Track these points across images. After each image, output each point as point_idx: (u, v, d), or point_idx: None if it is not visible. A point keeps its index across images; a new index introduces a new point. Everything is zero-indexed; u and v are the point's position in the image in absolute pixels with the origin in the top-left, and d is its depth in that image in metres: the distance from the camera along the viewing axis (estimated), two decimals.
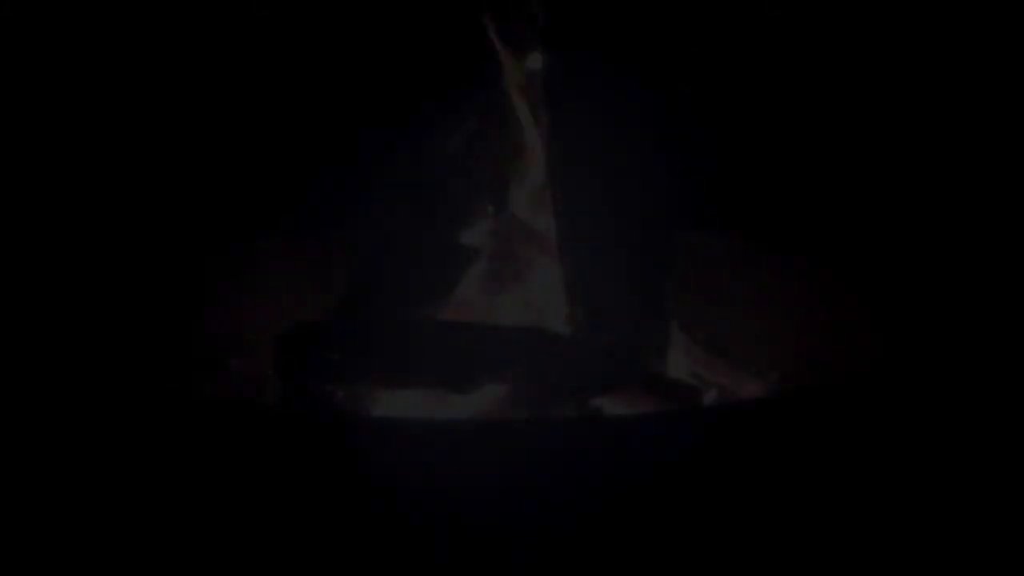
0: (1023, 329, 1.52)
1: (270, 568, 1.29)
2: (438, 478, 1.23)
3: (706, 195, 1.93)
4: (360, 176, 1.87)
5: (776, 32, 2.17)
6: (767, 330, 1.78)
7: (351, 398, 1.52)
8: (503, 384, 1.49)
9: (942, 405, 1.42)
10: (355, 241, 1.83)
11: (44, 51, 2.15)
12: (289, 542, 1.27)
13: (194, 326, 1.74)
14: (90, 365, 1.53)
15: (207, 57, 2.18)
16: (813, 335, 1.72)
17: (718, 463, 1.27)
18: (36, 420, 1.40)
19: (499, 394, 1.50)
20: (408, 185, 1.69)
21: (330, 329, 1.57)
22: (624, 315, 1.58)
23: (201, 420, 1.31)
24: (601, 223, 1.60)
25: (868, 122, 2.15)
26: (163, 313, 1.71)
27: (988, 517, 1.41)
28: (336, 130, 2.15)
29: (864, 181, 2.15)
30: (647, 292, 1.63)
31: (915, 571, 1.36)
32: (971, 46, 2.11)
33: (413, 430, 1.31)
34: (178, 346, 1.69)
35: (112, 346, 1.59)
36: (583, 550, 1.25)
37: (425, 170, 1.68)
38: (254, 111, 2.18)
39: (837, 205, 2.12)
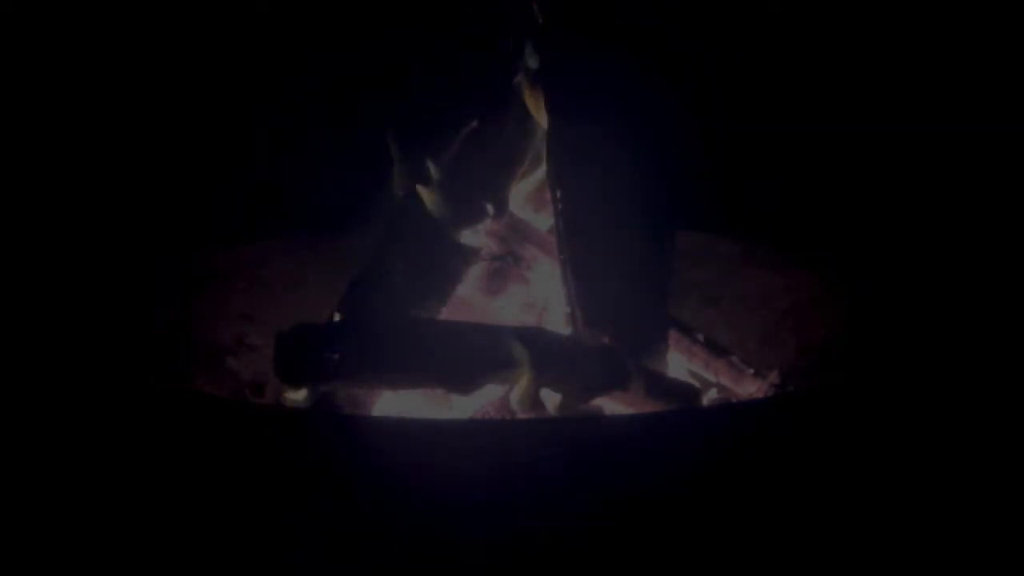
0: (1020, 329, 1.52)
1: (268, 566, 1.29)
2: (438, 478, 1.23)
3: (706, 195, 1.93)
4: (362, 178, 1.88)
5: (775, 33, 2.17)
6: (767, 330, 1.78)
7: (351, 398, 1.52)
8: (503, 384, 1.49)
9: (941, 405, 1.42)
10: (357, 242, 1.83)
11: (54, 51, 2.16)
12: (288, 541, 1.27)
13: (194, 326, 1.74)
14: (91, 364, 1.53)
15: (214, 62, 2.19)
16: (813, 335, 1.72)
17: (718, 463, 1.27)
18: (37, 419, 1.40)
19: (499, 394, 1.50)
20: (409, 186, 1.69)
21: (330, 329, 1.57)
22: (624, 315, 1.58)
23: (201, 420, 1.31)
24: (601, 223, 1.60)
25: (866, 124, 2.15)
26: (163, 313, 1.71)
27: (986, 516, 1.41)
28: (337, 132, 2.16)
29: (863, 183, 2.15)
30: (647, 292, 1.63)
31: (914, 570, 1.36)
32: (966, 47, 2.12)
33: (413, 430, 1.31)
34: (178, 346, 1.69)
35: (112, 346, 1.60)
36: (582, 550, 1.25)
37: (426, 171, 1.68)
38: (255, 113, 2.18)
39: (837, 207, 2.12)
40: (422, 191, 1.64)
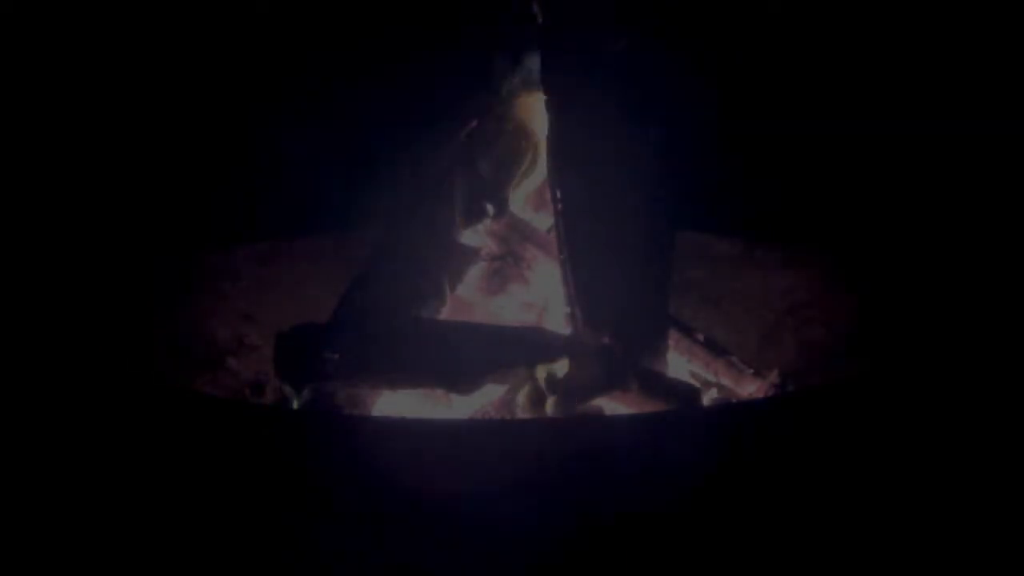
0: (1020, 329, 1.52)
1: (268, 566, 1.29)
2: (438, 478, 1.23)
3: (706, 195, 1.93)
4: (362, 178, 1.88)
5: (775, 33, 2.17)
6: (767, 330, 1.78)
7: (351, 398, 1.52)
8: (503, 384, 1.49)
9: (941, 405, 1.42)
10: (357, 242, 1.83)
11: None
12: (288, 541, 1.27)
13: (194, 326, 1.74)
14: (91, 364, 1.53)
15: (214, 62, 2.19)
16: (813, 335, 1.72)
17: (718, 463, 1.27)
18: (37, 419, 1.40)
19: (499, 394, 1.50)
20: (410, 186, 1.69)
21: (330, 329, 1.57)
22: (624, 315, 1.58)
23: (201, 420, 1.31)
24: (601, 223, 1.60)
25: (866, 124, 2.15)
26: (163, 313, 1.71)
27: (988, 515, 1.41)
28: (336, 132, 2.16)
29: (863, 183, 2.15)
30: (647, 292, 1.63)
31: (915, 570, 1.36)
32: (964, 47, 2.12)
33: (413, 430, 1.31)
34: (178, 346, 1.69)
35: (112, 346, 1.60)
36: (583, 550, 1.25)
37: (427, 171, 1.68)
38: (255, 112, 2.18)
39: (837, 207, 2.12)
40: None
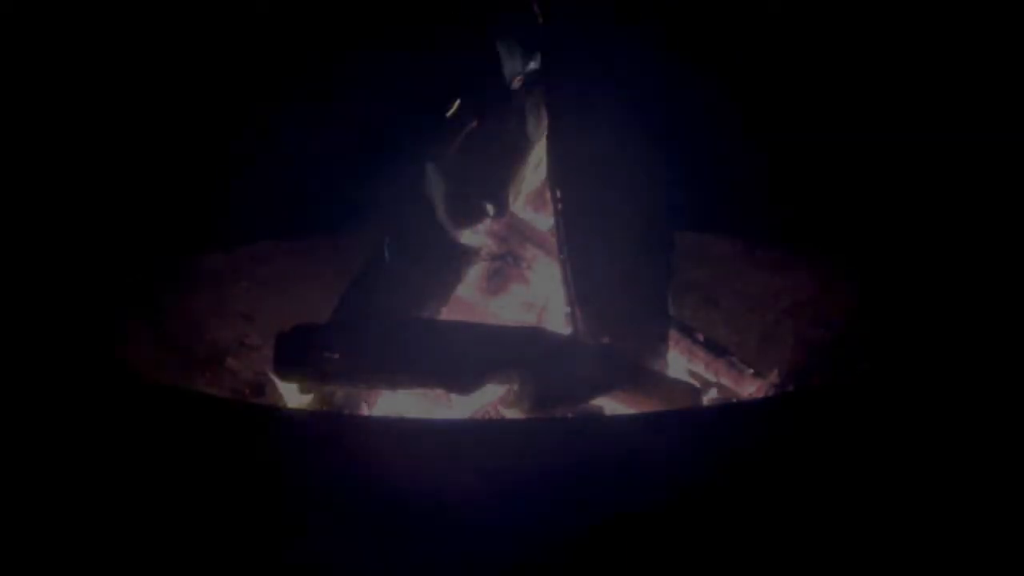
0: (1020, 329, 1.52)
1: (268, 566, 1.29)
2: (437, 478, 1.23)
3: (706, 195, 1.93)
4: (361, 178, 1.88)
5: (776, 35, 2.17)
6: (767, 330, 1.78)
7: (351, 398, 1.52)
8: (503, 384, 1.49)
9: (941, 405, 1.42)
10: (357, 242, 1.83)
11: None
12: (288, 541, 1.28)
13: (194, 326, 1.74)
14: (91, 364, 1.53)
15: (214, 62, 2.19)
16: (813, 335, 1.72)
17: (718, 463, 1.27)
18: (37, 419, 1.40)
19: (499, 394, 1.50)
20: (409, 187, 1.69)
21: (330, 329, 1.57)
22: (624, 315, 1.58)
23: (201, 420, 1.31)
24: (601, 223, 1.60)
25: (865, 127, 2.15)
26: (163, 313, 1.71)
27: (988, 515, 1.41)
28: (336, 133, 2.16)
29: (862, 184, 2.15)
30: (647, 292, 1.63)
31: (915, 570, 1.36)
32: (964, 57, 2.12)
33: (413, 430, 1.31)
34: (178, 346, 1.69)
35: (113, 346, 1.59)
36: (583, 549, 1.25)
37: (426, 171, 1.68)
38: (255, 113, 2.18)
39: (836, 207, 2.12)
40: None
